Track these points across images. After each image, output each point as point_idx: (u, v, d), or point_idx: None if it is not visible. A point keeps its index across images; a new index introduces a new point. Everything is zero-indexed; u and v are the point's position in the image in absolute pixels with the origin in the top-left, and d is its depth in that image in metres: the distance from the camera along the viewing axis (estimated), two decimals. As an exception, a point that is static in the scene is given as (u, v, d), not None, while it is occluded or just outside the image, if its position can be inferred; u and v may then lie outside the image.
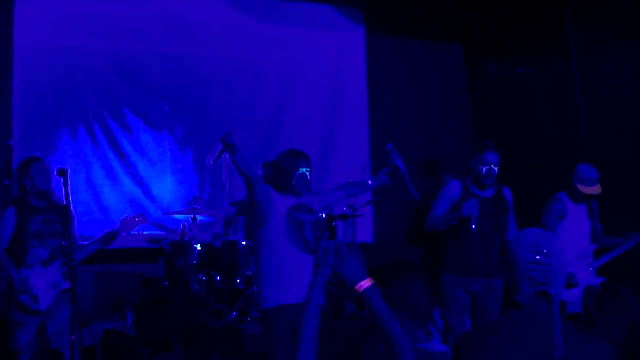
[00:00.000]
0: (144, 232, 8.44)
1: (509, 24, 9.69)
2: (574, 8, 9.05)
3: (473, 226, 5.65)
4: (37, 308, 5.57)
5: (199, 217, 8.28)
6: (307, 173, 5.28)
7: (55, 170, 5.42)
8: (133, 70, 9.11)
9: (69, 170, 5.31)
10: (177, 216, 8.47)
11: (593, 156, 7.14)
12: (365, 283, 2.88)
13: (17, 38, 8.45)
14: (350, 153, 9.97)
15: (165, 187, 9.15)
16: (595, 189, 6.45)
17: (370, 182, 5.90)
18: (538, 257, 2.78)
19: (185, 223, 8.18)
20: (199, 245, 7.94)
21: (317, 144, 9.84)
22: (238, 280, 7.89)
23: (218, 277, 7.98)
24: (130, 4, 9.08)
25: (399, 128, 10.05)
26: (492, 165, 5.84)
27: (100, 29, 8.87)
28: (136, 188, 9.02)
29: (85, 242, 5.94)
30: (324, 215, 8.30)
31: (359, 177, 8.50)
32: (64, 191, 5.30)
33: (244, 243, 8.03)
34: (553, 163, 9.22)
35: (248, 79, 9.65)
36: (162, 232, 8.82)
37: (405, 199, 7.25)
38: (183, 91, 9.36)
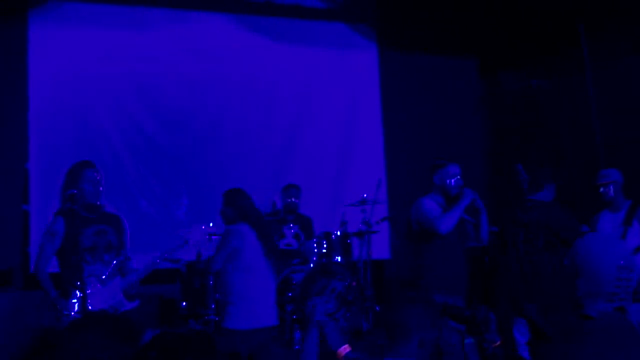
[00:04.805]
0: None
1: (524, 37, 9.67)
2: (587, 20, 9.02)
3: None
4: None
5: (215, 238, 8.26)
6: None
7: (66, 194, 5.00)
8: (147, 93, 9.18)
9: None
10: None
11: (610, 166, 7.08)
12: (345, 349, 3.00)
13: (32, 63, 8.59)
14: (366, 170, 9.91)
15: (182, 208, 9.16)
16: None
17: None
18: (622, 273, 2.65)
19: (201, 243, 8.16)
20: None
21: (333, 162, 9.88)
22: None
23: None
24: (142, 29, 9.17)
25: (414, 144, 10.03)
26: (458, 177, 5.87)
27: (115, 54, 8.98)
28: (153, 209, 9.05)
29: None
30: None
31: (375, 194, 8.50)
32: None
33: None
34: (570, 174, 9.17)
35: (262, 98, 9.68)
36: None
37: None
38: (198, 112, 9.39)
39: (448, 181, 5.84)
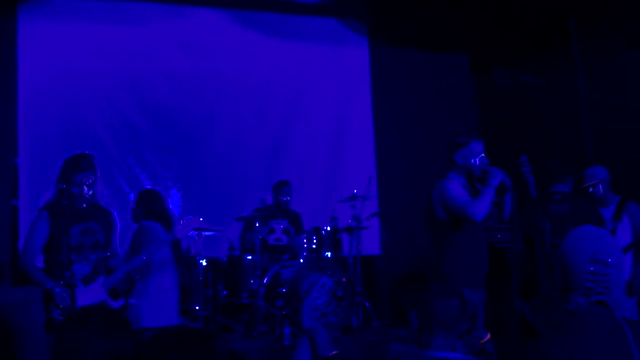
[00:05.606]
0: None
1: (516, 33, 9.65)
2: (578, 16, 9.01)
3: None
4: None
5: (204, 233, 8.22)
6: None
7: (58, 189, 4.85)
8: (138, 88, 9.14)
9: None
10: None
11: (599, 162, 7.10)
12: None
13: (22, 58, 8.53)
14: (356, 166, 9.88)
15: (171, 204, 9.13)
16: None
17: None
18: (595, 267, 2.63)
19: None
20: (204, 260, 7.90)
21: (323, 157, 9.87)
22: (244, 295, 7.87)
23: (224, 292, 7.98)
24: (133, 24, 9.12)
25: (405, 140, 10.01)
26: (482, 155, 5.38)
27: (106, 49, 8.93)
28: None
29: None
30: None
31: (365, 189, 8.49)
32: None
33: (249, 257, 8.01)
34: (560, 170, 9.18)
35: (254, 93, 9.64)
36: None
37: (410, 210, 7.20)
38: (189, 108, 9.35)
39: (472, 160, 5.33)
